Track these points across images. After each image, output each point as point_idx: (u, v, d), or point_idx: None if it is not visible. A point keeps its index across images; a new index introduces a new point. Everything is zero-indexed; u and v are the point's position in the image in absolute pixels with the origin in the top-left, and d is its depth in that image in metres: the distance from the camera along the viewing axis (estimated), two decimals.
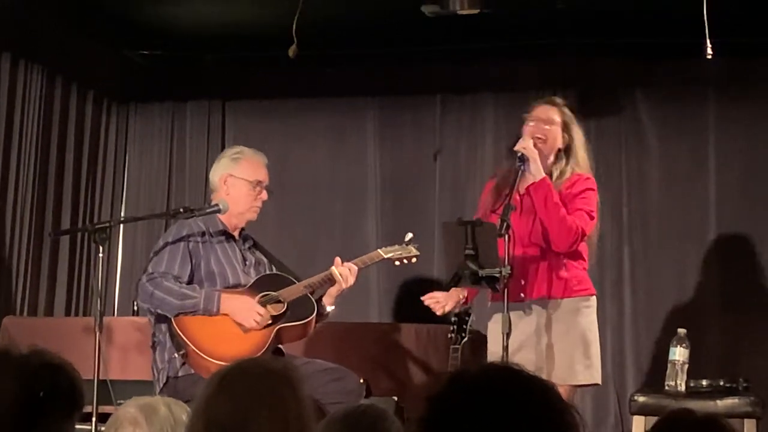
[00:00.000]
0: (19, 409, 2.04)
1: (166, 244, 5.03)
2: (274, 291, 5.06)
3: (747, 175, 6.86)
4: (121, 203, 7.79)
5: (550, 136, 5.09)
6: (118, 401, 4.55)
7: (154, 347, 5.05)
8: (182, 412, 2.87)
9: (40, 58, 6.86)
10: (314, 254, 7.03)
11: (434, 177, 7.37)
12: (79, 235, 7.21)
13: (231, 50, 7.42)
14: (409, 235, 5.44)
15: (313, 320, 5.09)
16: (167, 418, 2.84)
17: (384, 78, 7.46)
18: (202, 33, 7.07)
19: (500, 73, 7.26)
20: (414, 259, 5.44)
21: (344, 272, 5.15)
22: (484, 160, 7.20)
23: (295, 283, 5.14)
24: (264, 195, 5.25)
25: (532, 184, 4.97)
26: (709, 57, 5.47)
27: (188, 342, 4.85)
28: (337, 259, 5.21)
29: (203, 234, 5.09)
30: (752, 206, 6.82)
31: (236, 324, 4.94)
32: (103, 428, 3.08)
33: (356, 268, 5.19)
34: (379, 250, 5.40)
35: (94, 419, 4.49)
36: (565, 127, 5.14)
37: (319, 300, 5.18)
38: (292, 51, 6.02)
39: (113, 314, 7.45)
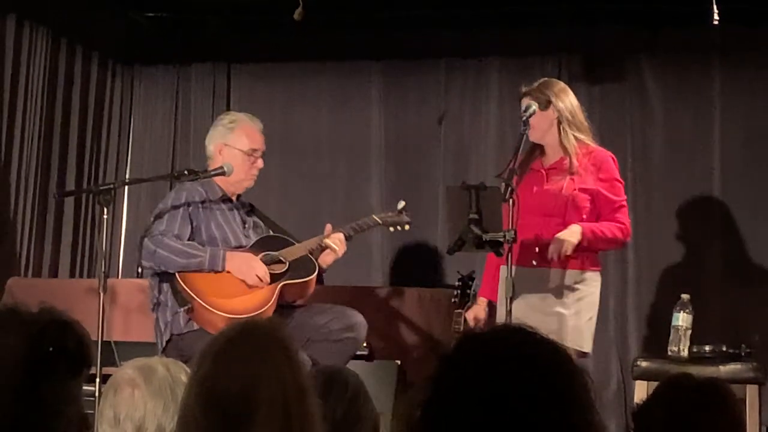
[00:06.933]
0: (27, 365, 2.04)
1: (165, 209, 5.06)
2: (275, 251, 5.13)
3: (751, 142, 6.84)
4: (126, 165, 7.78)
5: (532, 125, 5.09)
6: (122, 362, 4.57)
7: (155, 308, 5.07)
8: (180, 372, 2.87)
9: (45, 19, 6.84)
10: (317, 218, 6.96)
11: (438, 141, 7.35)
12: (84, 196, 7.20)
13: (236, 13, 7.39)
14: (402, 203, 5.54)
15: (314, 279, 5.16)
16: (165, 379, 2.85)
17: (389, 42, 7.43)
18: None
19: (505, 38, 7.23)
20: (407, 226, 5.51)
21: (336, 243, 5.21)
22: (489, 125, 7.19)
23: (294, 244, 5.20)
24: (259, 163, 5.29)
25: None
26: (716, 23, 5.46)
27: (194, 296, 4.88)
28: (329, 226, 5.28)
29: (203, 199, 5.12)
30: (756, 172, 6.81)
31: (241, 279, 4.99)
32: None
33: (343, 237, 5.24)
34: (373, 216, 5.49)
35: (97, 380, 4.50)
36: (546, 105, 5.13)
37: (316, 260, 5.24)
38: (297, 14, 6.01)
39: (117, 276, 7.47)
